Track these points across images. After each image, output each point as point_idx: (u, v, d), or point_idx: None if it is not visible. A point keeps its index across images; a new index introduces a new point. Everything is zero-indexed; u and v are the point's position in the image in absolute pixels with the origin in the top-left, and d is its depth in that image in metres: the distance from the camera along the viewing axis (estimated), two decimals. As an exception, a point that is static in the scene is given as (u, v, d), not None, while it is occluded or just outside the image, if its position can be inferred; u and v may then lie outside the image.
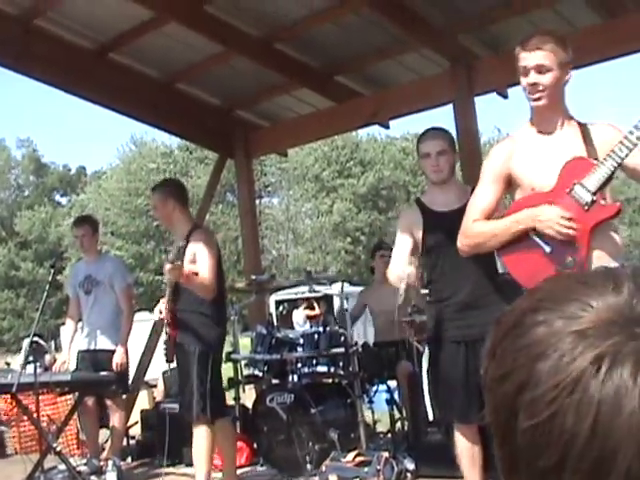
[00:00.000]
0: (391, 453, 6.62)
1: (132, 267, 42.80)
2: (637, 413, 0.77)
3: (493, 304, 4.80)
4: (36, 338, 8.14)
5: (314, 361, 7.42)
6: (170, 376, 9.27)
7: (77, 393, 7.49)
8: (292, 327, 17.72)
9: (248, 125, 9.81)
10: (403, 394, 7.52)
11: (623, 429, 0.77)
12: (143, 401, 9.70)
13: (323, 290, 10.01)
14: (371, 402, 7.72)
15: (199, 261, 6.19)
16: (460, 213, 4.42)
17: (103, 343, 7.79)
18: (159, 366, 9.85)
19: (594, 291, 0.86)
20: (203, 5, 7.47)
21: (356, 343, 7.33)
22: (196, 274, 6.13)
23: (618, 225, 4.21)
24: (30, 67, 8.07)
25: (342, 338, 7.37)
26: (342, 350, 7.25)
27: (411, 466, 6.55)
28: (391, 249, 9.00)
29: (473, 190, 4.46)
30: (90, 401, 7.84)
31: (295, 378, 7.53)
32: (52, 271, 7.62)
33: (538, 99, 3.97)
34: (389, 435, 7.71)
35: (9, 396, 7.06)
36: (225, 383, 7.03)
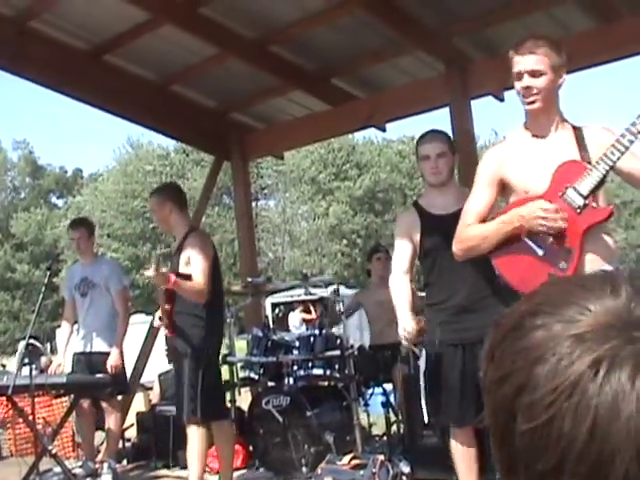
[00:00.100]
0: (387, 456, 6.61)
1: (128, 269, 42.76)
2: (635, 417, 0.77)
3: (490, 307, 4.80)
4: (32, 340, 8.14)
5: (310, 364, 7.42)
6: (166, 378, 9.28)
7: (73, 395, 7.48)
8: (288, 330, 17.73)
9: (244, 127, 9.81)
10: (399, 397, 7.51)
11: (621, 433, 0.77)
12: (139, 403, 9.70)
13: (319, 293, 10.02)
14: (367, 405, 7.71)
15: (192, 264, 6.21)
16: (458, 216, 4.42)
17: (99, 345, 7.78)
18: (155, 369, 9.86)
19: (592, 295, 0.86)
20: (198, 7, 7.47)
21: (352, 346, 7.32)
22: (189, 277, 6.14)
23: (615, 228, 4.23)
24: (25, 69, 8.06)
25: (338, 341, 7.37)
26: (338, 353, 7.25)
27: (407, 469, 6.55)
28: (387, 251, 9.07)
29: None
30: (86, 403, 7.83)
31: (291, 381, 7.52)
32: (48, 273, 7.61)
33: (532, 102, 3.98)
34: (385, 438, 7.71)
35: (4, 398, 7.06)
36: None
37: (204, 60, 8.38)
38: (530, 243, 3.95)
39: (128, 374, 8.40)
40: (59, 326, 8.81)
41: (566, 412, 0.79)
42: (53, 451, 6.87)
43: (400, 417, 7.59)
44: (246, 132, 9.81)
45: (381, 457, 6.43)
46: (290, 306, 20.95)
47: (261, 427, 7.42)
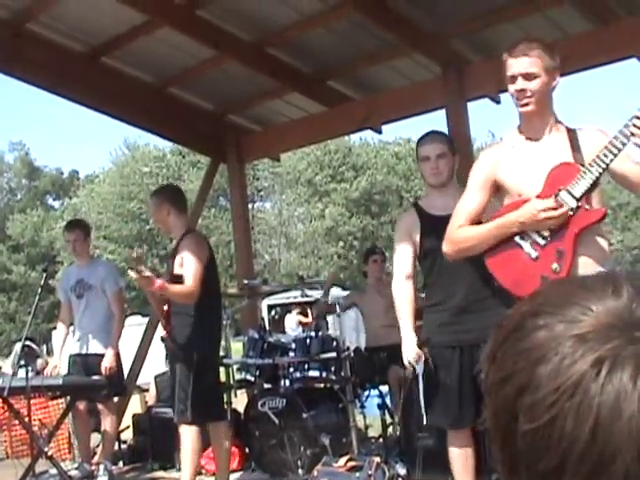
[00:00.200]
0: (383, 458, 6.61)
1: (124, 271, 42.63)
2: (636, 417, 0.77)
3: (489, 308, 4.78)
4: (28, 342, 8.14)
5: (306, 366, 7.41)
6: (162, 380, 9.26)
7: (69, 397, 7.47)
8: (284, 332, 17.73)
9: (240, 129, 9.81)
10: (395, 399, 7.52)
11: (623, 432, 0.77)
12: (135, 405, 9.69)
13: (315, 295, 10.02)
14: (363, 407, 7.71)
15: (184, 266, 6.21)
16: None
17: (95, 347, 7.77)
18: (151, 370, 9.86)
19: (594, 295, 0.87)
20: (196, 10, 7.48)
21: (348, 348, 7.32)
22: (180, 277, 6.15)
23: (611, 230, 4.24)
24: (21, 71, 8.06)
25: (334, 343, 7.37)
26: (334, 355, 7.25)
27: (403, 471, 6.55)
28: (383, 253, 9.07)
29: None
30: (82, 405, 7.82)
31: (287, 383, 7.52)
32: (44, 275, 7.61)
33: (526, 105, 3.99)
34: (381, 440, 7.71)
35: (0, 400, 7.04)
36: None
37: (201, 62, 8.39)
38: (523, 245, 3.96)
39: (124, 375, 8.40)
40: (55, 328, 8.79)
41: (568, 412, 0.79)
42: (49, 453, 6.87)
43: (396, 419, 7.59)
44: (242, 134, 9.81)
45: (377, 459, 6.43)
46: (286, 308, 20.94)
47: (257, 429, 7.42)
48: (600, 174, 3.78)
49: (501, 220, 4.02)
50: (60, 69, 8.11)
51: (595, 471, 0.78)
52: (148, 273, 5.91)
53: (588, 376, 0.80)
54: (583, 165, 3.85)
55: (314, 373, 7.39)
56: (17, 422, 7.99)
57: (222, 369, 7.77)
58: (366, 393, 7.80)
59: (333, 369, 7.29)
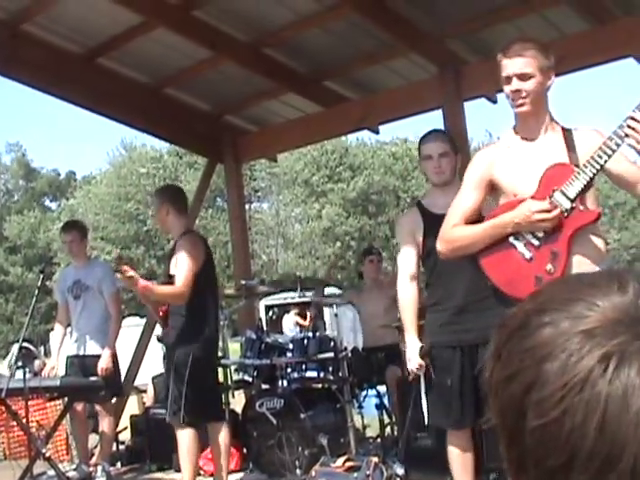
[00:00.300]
0: (380, 458, 6.61)
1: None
2: None
3: (489, 308, 4.76)
4: (25, 343, 8.14)
5: (304, 366, 7.41)
6: (160, 381, 9.26)
7: (66, 398, 7.47)
8: (282, 332, 17.71)
9: (237, 130, 9.81)
10: (392, 399, 7.52)
11: (630, 427, 0.78)
12: (133, 406, 9.69)
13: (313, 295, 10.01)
14: (361, 407, 7.71)
15: (177, 267, 6.21)
16: None
17: (92, 348, 7.77)
18: (149, 371, 9.85)
19: (599, 291, 0.87)
20: (191, 10, 7.48)
21: (345, 348, 7.32)
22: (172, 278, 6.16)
23: (609, 229, 4.24)
24: (18, 72, 8.07)
25: (331, 343, 7.37)
26: (332, 355, 7.25)
27: (400, 471, 6.55)
28: (380, 253, 9.07)
29: None
30: (79, 406, 7.82)
31: (285, 383, 7.52)
32: (41, 276, 7.62)
33: (521, 105, 3.99)
34: (379, 440, 7.72)
35: (-2, 401, 7.04)
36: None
37: (197, 63, 8.39)
38: (517, 245, 3.97)
39: (122, 376, 8.40)
40: (52, 329, 8.80)
41: (577, 407, 0.80)
42: (47, 454, 6.86)
43: (394, 419, 7.60)
44: (239, 134, 9.81)
45: (375, 459, 6.43)
46: (284, 309, 20.90)
47: (255, 430, 7.42)
48: (594, 175, 3.78)
49: (496, 220, 4.02)
50: (56, 70, 8.11)
51: (603, 465, 0.79)
52: (132, 273, 5.91)
53: (596, 372, 0.80)
54: (578, 165, 3.85)
55: (312, 373, 7.39)
56: (15, 423, 7.97)
57: (220, 370, 7.77)
58: (364, 393, 7.80)
59: (331, 369, 7.29)
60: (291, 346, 7.53)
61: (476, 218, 4.20)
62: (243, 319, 9.88)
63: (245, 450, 7.73)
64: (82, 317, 7.88)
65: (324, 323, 17.81)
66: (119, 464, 8.62)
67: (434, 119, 7.98)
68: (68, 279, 8.10)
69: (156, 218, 6.91)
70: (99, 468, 7.63)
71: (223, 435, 6.52)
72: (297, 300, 15.46)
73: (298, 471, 6.91)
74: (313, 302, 8.60)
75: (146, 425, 8.42)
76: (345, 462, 6.48)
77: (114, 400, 8.25)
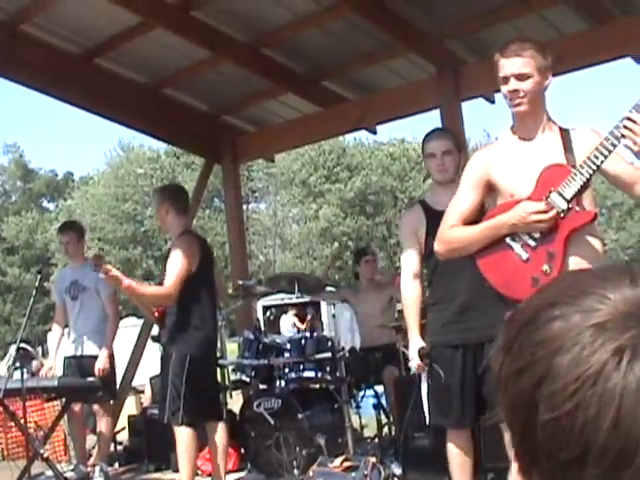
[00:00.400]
0: (378, 458, 6.61)
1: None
2: None
3: (492, 307, 4.77)
4: (23, 344, 8.12)
5: (301, 366, 7.41)
6: (157, 382, 9.25)
7: (64, 399, 7.47)
8: (279, 332, 17.73)
9: (235, 130, 9.81)
10: (390, 399, 7.52)
11: None
12: (130, 407, 9.69)
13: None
14: (358, 407, 7.70)
15: (168, 268, 6.20)
16: None
17: (89, 349, 7.77)
18: (146, 372, 9.84)
19: (610, 284, 0.87)
20: (190, 10, 7.48)
21: (343, 348, 7.32)
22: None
23: (606, 229, 4.24)
24: (16, 72, 8.07)
25: (329, 343, 7.37)
26: (329, 355, 7.25)
27: (398, 471, 6.56)
28: (374, 253, 9.06)
29: None
30: (77, 407, 7.82)
31: (282, 383, 7.52)
32: (39, 277, 7.60)
33: (519, 105, 3.99)
34: (376, 440, 7.71)
35: (-4, 402, 7.04)
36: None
37: (196, 63, 8.39)
38: (514, 246, 3.97)
39: (119, 378, 8.40)
40: (50, 329, 8.80)
41: (590, 401, 0.80)
42: (45, 455, 6.86)
43: (391, 419, 7.60)
44: (237, 135, 9.81)
45: (373, 459, 6.43)
46: (282, 309, 20.92)
47: (252, 430, 7.42)
48: (591, 176, 3.78)
49: (492, 221, 4.02)
50: (54, 70, 8.11)
51: (618, 458, 0.79)
52: (116, 273, 5.89)
53: (609, 365, 0.80)
54: (575, 166, 3.86)
55: (309, 373, 7.39)
56: (13, 424, 7.97)
57: (217, 370, 7.78)
58: (361, 393, 7.80)
59: (328, 369, 7.29)
60: (289, 346, 7.53)
61: (475, 218, 4.20)
62: (241, 319, 9.87)
63: (243, 450, 7.73)
64: (79, 318, 7.87)
65: (321, 323, 17.82)
66: (117, 464, 8.62)
67: (432, 119, 7.99)
68: (65, 280, 8.10)
69: (157, 216, 6.92)
70: (97, 468, 7.63)
71: (221, 435, 6.51)
72: (295, 301, 15.48)
73: (296, 471, 6.91)
74: (311, 297, 8.60)
75: (144, 425, 8.42)
76: (343, 462, 6.48)
77: (112, 401, 8.24)
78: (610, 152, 3.69)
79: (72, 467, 8.06)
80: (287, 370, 7.47)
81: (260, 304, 22.74)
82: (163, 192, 6.89)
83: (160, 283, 6.50)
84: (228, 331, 10.79)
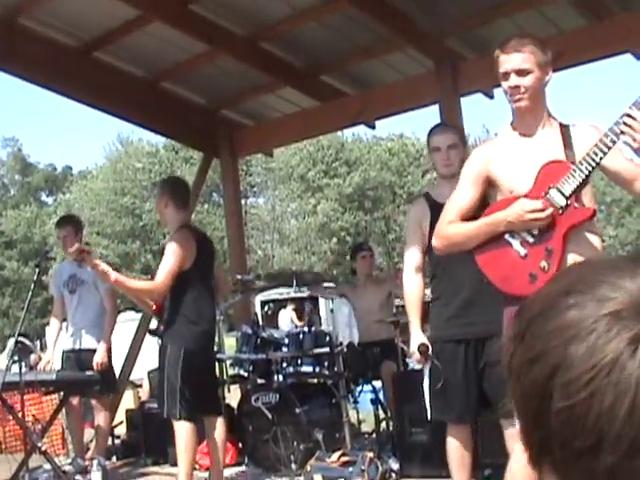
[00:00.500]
0: (376, 453, 6.62)
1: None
2: None
3: (496, 302, 4.77)
4: (21, 338, 8.11)
5: (299, 361, 7.41)
6: (155, 376, 9.26)
7: (62, 392, 7.47)
8: (277, 327, 17.71)
9: (233, 124, 9.80)
10: (388, 394, 7.53)
11: None
12: (128, 401, 9.70)
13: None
14: (356, 402, 7.72)
15: (161, 262, 6.18)
16: None
17: (88, 342, 7.77)
18: (144, 366, 9.85)
19: (625, 274, 0.87)
20: (188, 4, 7.47)
21: (341, 343, 7.32)
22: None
23: (605, 226, 4.23)
24: (14, 66, 8.05)
25: (327, 338, 7.37)
26: (327, 350, 7.25)
27: (395, 466, 6.57)
28: (371, 249, 9.06)
29: None
30: (75, 400, 7.83)
31: (280, 378, 7.52)
32: (37, 271, 7.59)
33: (519, 100, 3.98)
34: (374, 435, 7.72)
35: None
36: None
37: (194, 57, 8.38)
38: (513, 243, 3.97)
39: (117, 371, 8.40)
40: (48, 323, 8.79)
41: (606, 389, 0.80)
42: (43, 448, 6.87)
43: (389, 414, 7.60)
44: (235, 129, 9.80)
45: (370, 454, 6.44)
46: (280, 304, 20.89)
47: (250, 424, 7.43)
48: (590, 172, 3.78)
49: (490, 218, 4.02)
50: (52, 64, 8.09)
51: (632, 447, 0.79)
52: (104, 267, 5.87)
53: (625, 354, 0.80)
54: (574, 162, 3.85)
55: (307, 368, 7.40)
56: (11, 417, 7.98)
57: (215, 364, 7.78)
58: (359, 388, 7.81)
59: (326, 364, 7.29)
60: (287, 341, 7.54)
61: (474, 214, 4.20)
62: (239, 314, 9.87)
63: (240, 444, 7.74)
64: (78, 311, 7.87)
65: (320, 318, 17.81)
66: (114, 458, 8.63)
67: (431, 114, 7.99)
68: (64, 273, 8.10)
69: (156, 209, 6.90)
70: (95, 462, 7.61)
71: (219, 429, 6.50)
72: (293, 295, 15.46)
73: (293, 466, 6.91)
74: (309, 292, 8.58)
75: (142, 419, 8.43)
76: (340, 457, 6.49)
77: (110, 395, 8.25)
78: (610, 148, 3.68)
79: (70, 460, 8.07)
80: (285, 365, 7.48)
81: (258, 299, 22.72)
82: (164, 185, 6.87)
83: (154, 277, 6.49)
84: (226, 325, 10.79)
